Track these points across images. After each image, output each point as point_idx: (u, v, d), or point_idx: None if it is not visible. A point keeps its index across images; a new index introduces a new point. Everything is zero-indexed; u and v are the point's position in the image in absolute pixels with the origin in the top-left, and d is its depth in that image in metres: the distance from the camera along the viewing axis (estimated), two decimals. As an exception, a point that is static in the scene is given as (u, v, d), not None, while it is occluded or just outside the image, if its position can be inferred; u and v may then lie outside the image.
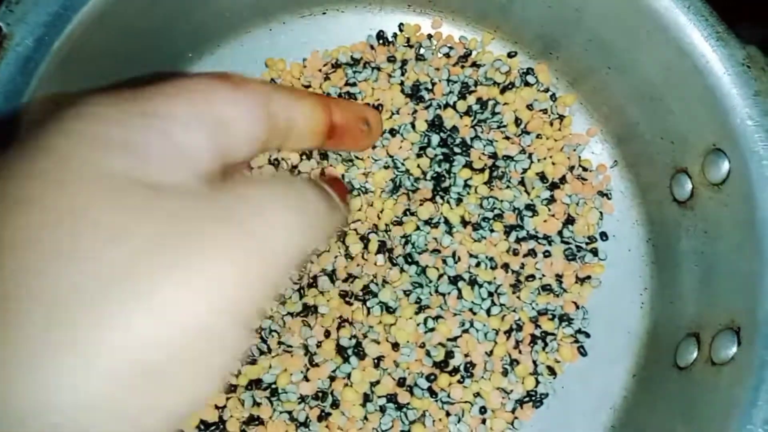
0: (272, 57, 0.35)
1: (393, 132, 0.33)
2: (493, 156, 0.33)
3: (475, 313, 0.31)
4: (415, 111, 0.34)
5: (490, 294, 0.31)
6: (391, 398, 0.30)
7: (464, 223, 0.32)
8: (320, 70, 0.35)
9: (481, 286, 0.31)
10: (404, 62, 0.34)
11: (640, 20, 0.27)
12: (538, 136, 0.33)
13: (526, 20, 0.32)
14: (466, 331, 0.31)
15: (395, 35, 0.35)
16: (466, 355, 0.30)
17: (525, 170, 0.33)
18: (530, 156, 0.33)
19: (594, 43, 0.30)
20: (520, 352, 0.31)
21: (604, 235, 0.33)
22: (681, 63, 0.26)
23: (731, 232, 0.25)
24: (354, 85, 0.34)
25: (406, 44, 0.35)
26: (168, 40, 0.31)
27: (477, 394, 0.30)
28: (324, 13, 0.35)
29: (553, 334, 0.31)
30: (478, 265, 0.31)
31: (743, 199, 0.24)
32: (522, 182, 0.33)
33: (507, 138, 0.33)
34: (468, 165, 0.33)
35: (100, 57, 0.27)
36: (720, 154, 0.26)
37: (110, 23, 0.26)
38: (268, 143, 0.17)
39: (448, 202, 0.32)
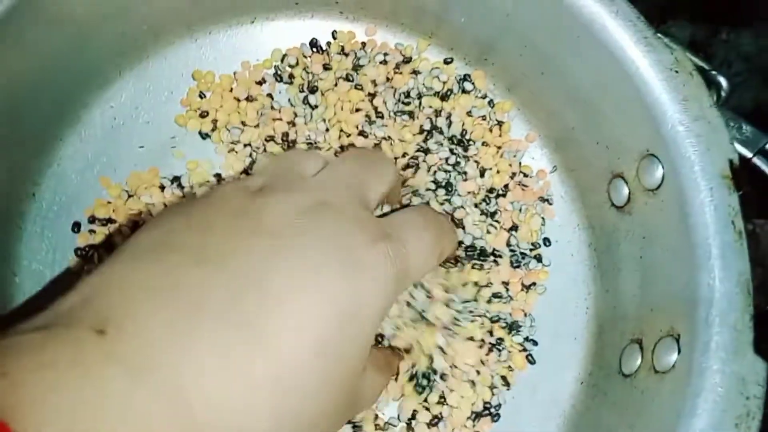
0: (200, 69, 0.33)
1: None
2: (445, 171, 0.32)
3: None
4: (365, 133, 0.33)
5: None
6: None
7: None
8: (258, 83, 0.33)
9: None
10: (348, 76, 0.33)
11: (570, 26, 0.27)
12: (484, 144, 0.33)
13: (460, 27, 0.32)
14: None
15: (329, 43, 0.34)
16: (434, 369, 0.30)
17: (471, 179, 0.32)
18: (482, 171, 0.32)
19: (528, 48, 0.30)
20: (482, 362, 0.30)
21: (547, 241, 0.32)
22: (612, 68, 0.26)
23: (667, 237, 0.26)
24: (314, 91, 0.33)
25: (340, 52, 0.34)
26: (84, 58, 0.29)
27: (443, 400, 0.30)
28: (252, 22, 0.33)
29: (504, 341, 0.31)
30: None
31: (677, 204, 0.25)
32: (470, 194, 0.32)
33: (453, 152, 0.33)
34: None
35: (8, 83, 0.25)
36: (654, 159, 0.26)
37: (13, 48, 0.24)
38: None
39: None
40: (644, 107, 0.25)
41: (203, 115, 0.33)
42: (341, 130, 0.33)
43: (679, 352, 0.23)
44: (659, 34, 0.26)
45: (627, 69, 0.26)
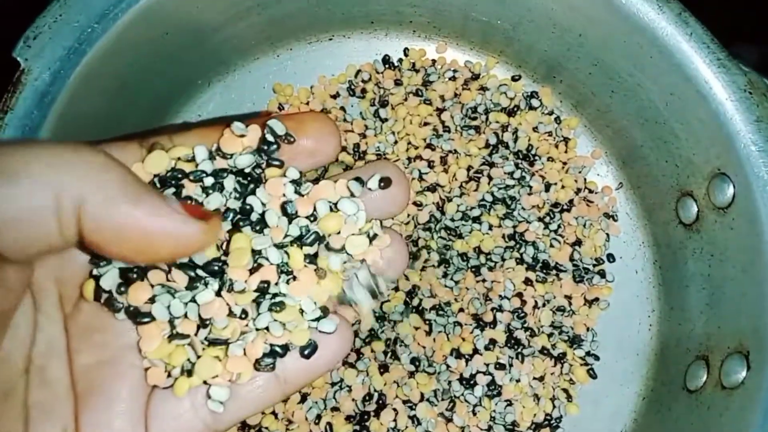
0: (280, 82, 0.35)
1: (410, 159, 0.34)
2: (507, 187, 0.33)
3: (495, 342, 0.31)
4: (432, 146, 0.34)
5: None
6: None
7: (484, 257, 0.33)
8: (333, 96, 0.35)
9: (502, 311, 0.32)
10: (417, 91, 0.34)
11: (644, 47, 0.27)
12: (549, 159, 0.34)
13: (529, 45, 0.33)
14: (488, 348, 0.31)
15: (401, 60, 0.35)
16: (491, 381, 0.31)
17: (535, 193, 0.33)
18: (548, 186, 0.33)
19: (598, 67, 0.31)
20: (543, 378, 0.31)
21: (611, 257, 0.33)
22: (684, 88, 0.27)
23: (737, 255, 0.26)
24: (384, 105, 0.34)
25: (411, 68, 0.35)
26: (180, 68, 0.32)
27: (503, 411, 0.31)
28: (330, 39, 0.35)
29: (566, 356, 0.31)
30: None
31: (749, 222, 0.25)
32: (534, 208, 0.33)
33: (518, 167, 0.34)
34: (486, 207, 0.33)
35: (114, 88, 0.28)
36: (725, 178, 0.26)
37: (124, 55, 0.27)
38: None
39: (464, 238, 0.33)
40: (717, 127, 0.26)
41: (281, 125, 0.35)
42: (409, 143, 0.34)
43: (749, 368, 0.23)
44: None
45: (700, 89, 0.26)
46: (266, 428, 0.30)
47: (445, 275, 0.32)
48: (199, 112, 0.34)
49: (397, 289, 0.32)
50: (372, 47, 0.35)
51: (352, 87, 0.35)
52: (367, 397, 0.30)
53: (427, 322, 0.31)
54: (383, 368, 0.31)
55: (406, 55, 0.35)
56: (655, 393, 0.30)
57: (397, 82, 0.35)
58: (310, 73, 0.35)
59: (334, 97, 0.35)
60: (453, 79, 0.35)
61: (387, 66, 0.35)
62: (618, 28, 0.28)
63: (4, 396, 0.16)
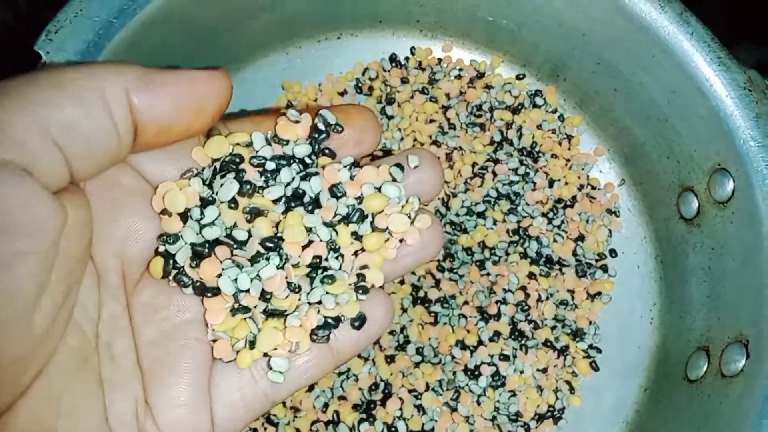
0: (289, 80, 0.36)
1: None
2: (511, 183, 0.34)
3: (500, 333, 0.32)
4: (437, 142, 0.35)
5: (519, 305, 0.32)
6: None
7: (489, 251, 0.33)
8: (340, 93, 0.36)
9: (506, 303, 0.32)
10: (423, 89, 0.35)
11: (646, 46, 0.28)
12: (553, 156, 0.34)
13: (534, 44, 0.34)
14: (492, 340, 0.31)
15: (407, 59, 0.36)
16: (495, 371, 0.31)
17: (539, 189, 0.34)
18: (551, 182, 0.34)
19: (601, 66, 0.32)
20: (546, 369, 0.32)
21: (613, 252, 0.33)
22: (685, 86, 0.27)
23: (737, 248, 0.26)
24: (391, 103, 0.35)
25: (417, 67, 0.36)
26: (193, 65, 0.32)
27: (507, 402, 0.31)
28: (339, 38, 0.36)
29: (569, 348, 0.32)
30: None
31: (748, 216, 0.25)
32: (538, 203, 0.34)
33: (522, 163, 0.34)
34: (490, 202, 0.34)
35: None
36: (725, 173, 0.27)
37: (140, 50, 0.27)
38: None
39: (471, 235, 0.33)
40: (717, 123, 0.26)
41: (290, 121, 0.36)
42: (415, 140, 0.35)
43: (748, 356, 0.24)
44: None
45: (701, 87, 0.27)
46: (274, 416, 0.31)
47: (450, 269, 0.33)
48: (210, 108, 0.35)
49: (402, 282, 0.32)
50: (379, 46, 0.36)
51: (360, 85, 0.36)
52: (373, 386, 0.31)
53: (432, 314, 0.32)
54: (389, 358, 0.31)
55: (412, 53, 0.36)
56: (657, 384, 0.31)
57: (404, 80, 0.36)
58: (318, 70, 0.36)
59: (342, 94, 0.36)
60: (458, 77, 0.36)
61: (394, 64, 0.36)
62: (621, 28, 0.29)
63: (83, 363, 0.16)
